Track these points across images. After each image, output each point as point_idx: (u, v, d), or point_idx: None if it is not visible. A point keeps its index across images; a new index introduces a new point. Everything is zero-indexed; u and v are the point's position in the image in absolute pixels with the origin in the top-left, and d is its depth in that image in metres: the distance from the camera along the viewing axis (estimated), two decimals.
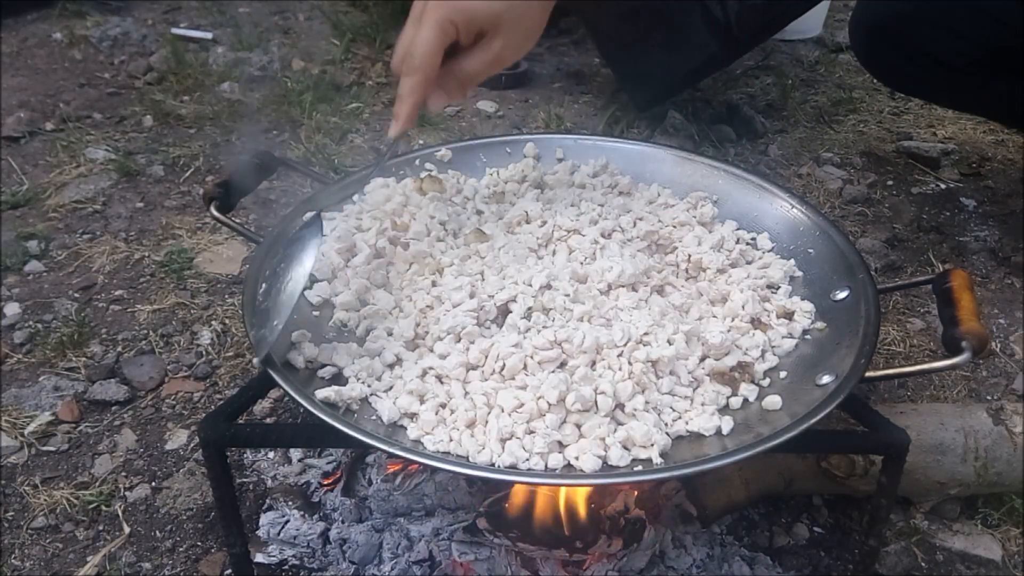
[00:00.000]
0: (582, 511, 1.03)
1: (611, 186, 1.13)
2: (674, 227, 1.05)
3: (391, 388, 0.85)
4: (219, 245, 1.62)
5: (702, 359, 0.88)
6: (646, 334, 0.87)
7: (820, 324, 0.94)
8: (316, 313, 0.95)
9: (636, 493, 1.06)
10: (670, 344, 0.86)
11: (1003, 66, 1.40)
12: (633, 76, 2.00)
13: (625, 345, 0.85)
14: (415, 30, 0.87)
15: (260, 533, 1.09)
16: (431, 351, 0.88)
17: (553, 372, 0.82)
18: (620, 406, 0.82)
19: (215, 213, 1.00)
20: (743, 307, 0.93)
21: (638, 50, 1.92)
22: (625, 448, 0.79)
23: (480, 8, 0.86)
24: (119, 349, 1.39)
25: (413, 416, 0.82)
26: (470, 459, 0.77)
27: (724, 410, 0.85)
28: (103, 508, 1.14)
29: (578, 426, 0.80)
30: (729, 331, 0.90)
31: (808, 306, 0.95)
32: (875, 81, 1.85)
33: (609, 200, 1.09)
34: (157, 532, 1.12)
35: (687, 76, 1.94)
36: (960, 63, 1.41)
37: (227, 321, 1.44)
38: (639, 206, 1.09)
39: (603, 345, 0.85)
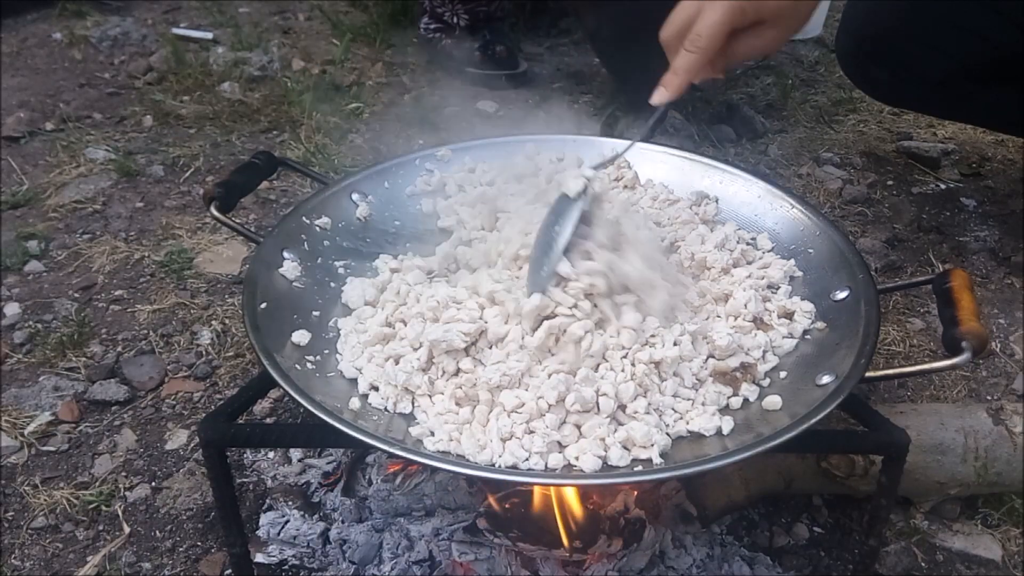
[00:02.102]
0: (580, 512, 1.03)
1: (616, 179, 1.13)
2: (678, 226, 1.05)
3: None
4: (219, 245, 1.62)
5: (706, 359, 0.88)
6: (652, 336, 0.86)
7: (820, 324, 0.94)
8: (316, 313, 0.96)
9: (636, 493, 1.06)
10: (676, 345, 0.86)
11: (987, 77, 1.42)
12: (629, 77, 2.00)
13: (630, 347, 0.85)
14: (697, 7, 0.91)
15: (260, 533, 1.09)
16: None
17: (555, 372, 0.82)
18: (622, 407, 0.82)
19: (215, 213, 1.00)
20: (745, 306, 0.93)
21: (633, 51, 1.92)
22: (625, 448, 0.79)
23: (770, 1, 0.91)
24: (119, 349, 1.39)
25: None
26: (470, 459, 0.77)
27: (724, 410, 0.85)
28: (103, 508, 1.14)
29: (578, 426, 0.80)
30: (735, 332, 0.90)
31: (808, 306, 0.95)
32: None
33: (616, 196, 1.09)
34: (157, 532, 1.12)
35: None
36: (945, 76, 1.44)
37: (227, 321, 1.44)
38: (645, 202, 1.09)
39: (609, 347, 0.85)
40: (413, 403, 0.84)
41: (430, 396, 0.84)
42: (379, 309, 0.94)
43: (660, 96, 0.95)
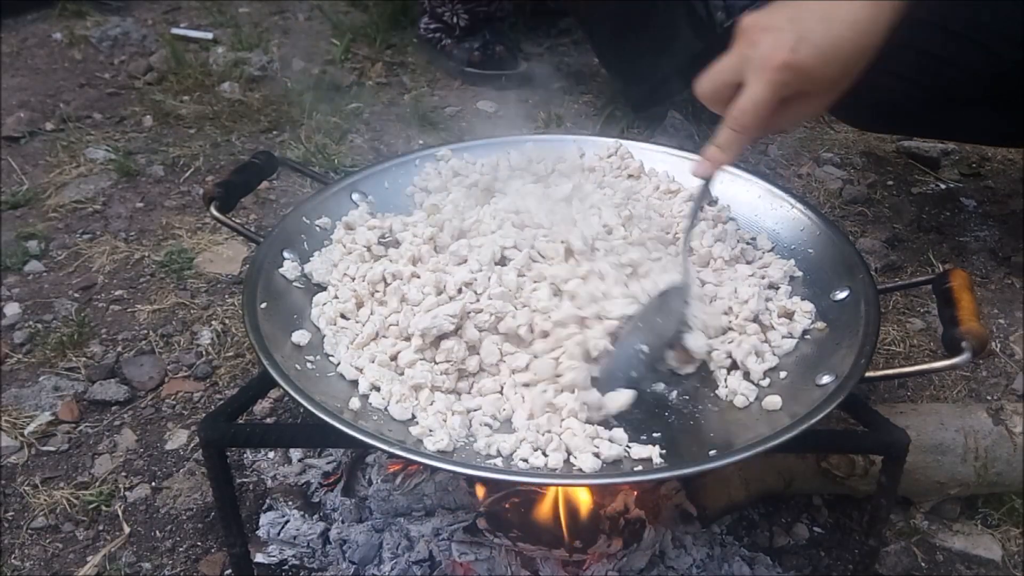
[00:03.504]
0: (582, 511, 1.03)
1: (620, 168, 1.13)
2: (681, 219, 1.05)
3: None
4: (219, 245, 1.62)
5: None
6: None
7: (820, 324, 0.94)
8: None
9: (636, 493, 1.06)
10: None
11: (954, 100, 1.43)
12: (627, 76, 2.00)
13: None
14: (740, 70, 0.84)
15: (260, 533, 1.09)
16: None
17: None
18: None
19: (215, 213, 1.00)
20: (747, 302, 0.93)
21: (629, 50, 1.92)
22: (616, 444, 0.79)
23: (817, 71, 0.83)
24: (119, 349, 1.39)
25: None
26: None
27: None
28: (103, 508, 1.14)
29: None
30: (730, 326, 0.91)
31: (808, 306, 0.95)
32: None
33: (618, 184, 1.09)
34: (157, 532, 1.12)
35: (679, 76, 1.94)
36: (911, 101, 1.44)
37: (227, 321, 1.44)
38: (648, 190, 1.09)
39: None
40: (417, 397, 0.84)
41: (441, 389, 0.85)
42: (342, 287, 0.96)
43: (703, 169, 0.92)
